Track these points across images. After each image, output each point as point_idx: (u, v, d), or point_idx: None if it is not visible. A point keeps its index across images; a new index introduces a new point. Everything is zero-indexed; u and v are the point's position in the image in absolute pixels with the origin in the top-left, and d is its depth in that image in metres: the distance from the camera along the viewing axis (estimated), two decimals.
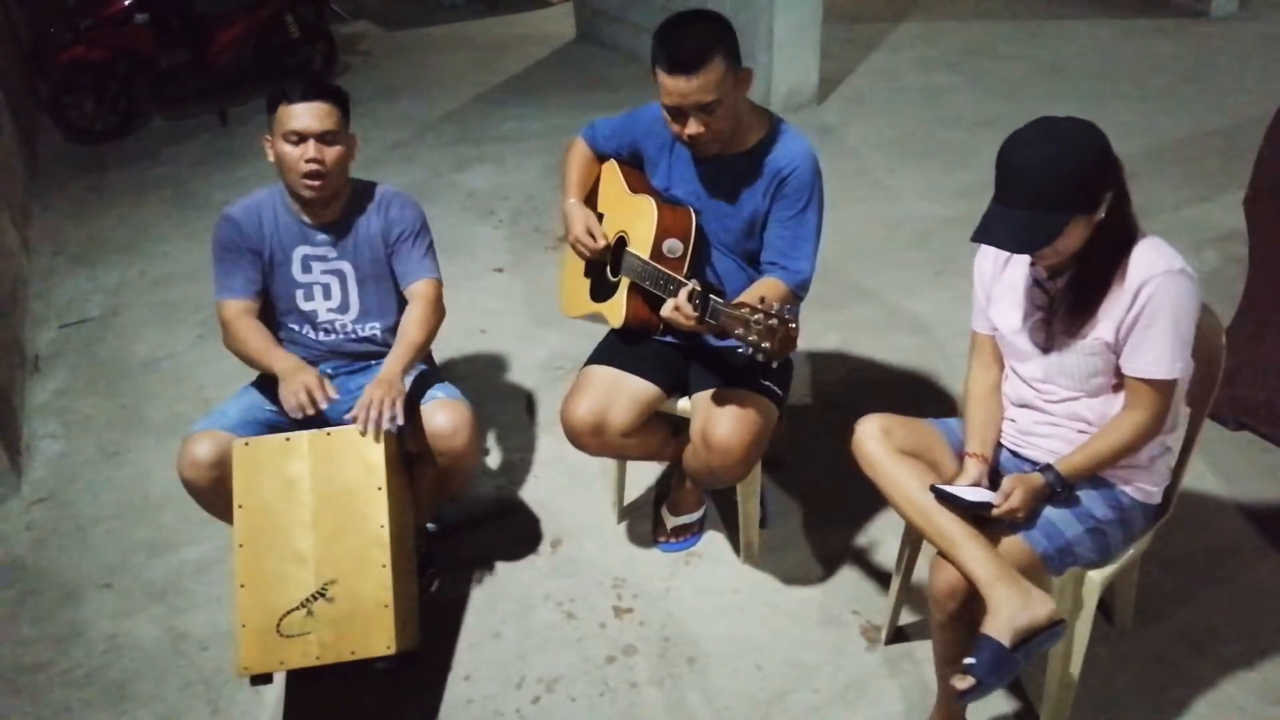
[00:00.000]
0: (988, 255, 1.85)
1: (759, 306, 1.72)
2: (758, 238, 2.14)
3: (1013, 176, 1.57)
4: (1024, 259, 1.76)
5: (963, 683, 1.54)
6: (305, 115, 2.04)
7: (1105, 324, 1.65)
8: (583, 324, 2.45)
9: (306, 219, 2.18)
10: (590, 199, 2.33)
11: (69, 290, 4.07)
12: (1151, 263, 1.60)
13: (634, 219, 2.15)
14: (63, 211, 4.85)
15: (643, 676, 2.16)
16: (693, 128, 1.97)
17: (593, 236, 2.19)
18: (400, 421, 2.00)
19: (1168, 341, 1.61)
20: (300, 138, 2.05)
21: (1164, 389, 1.66)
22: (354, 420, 1.97)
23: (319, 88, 2.09)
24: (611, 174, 2.29)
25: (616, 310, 2.19)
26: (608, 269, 2.24)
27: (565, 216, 2.27)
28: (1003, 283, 1.81)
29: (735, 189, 2.11)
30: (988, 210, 1.61)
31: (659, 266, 2.03)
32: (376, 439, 1.96)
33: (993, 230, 1.59)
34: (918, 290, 3.62)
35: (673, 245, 2.08)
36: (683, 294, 1.85)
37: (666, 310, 1.89)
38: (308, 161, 2.05)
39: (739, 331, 1.73)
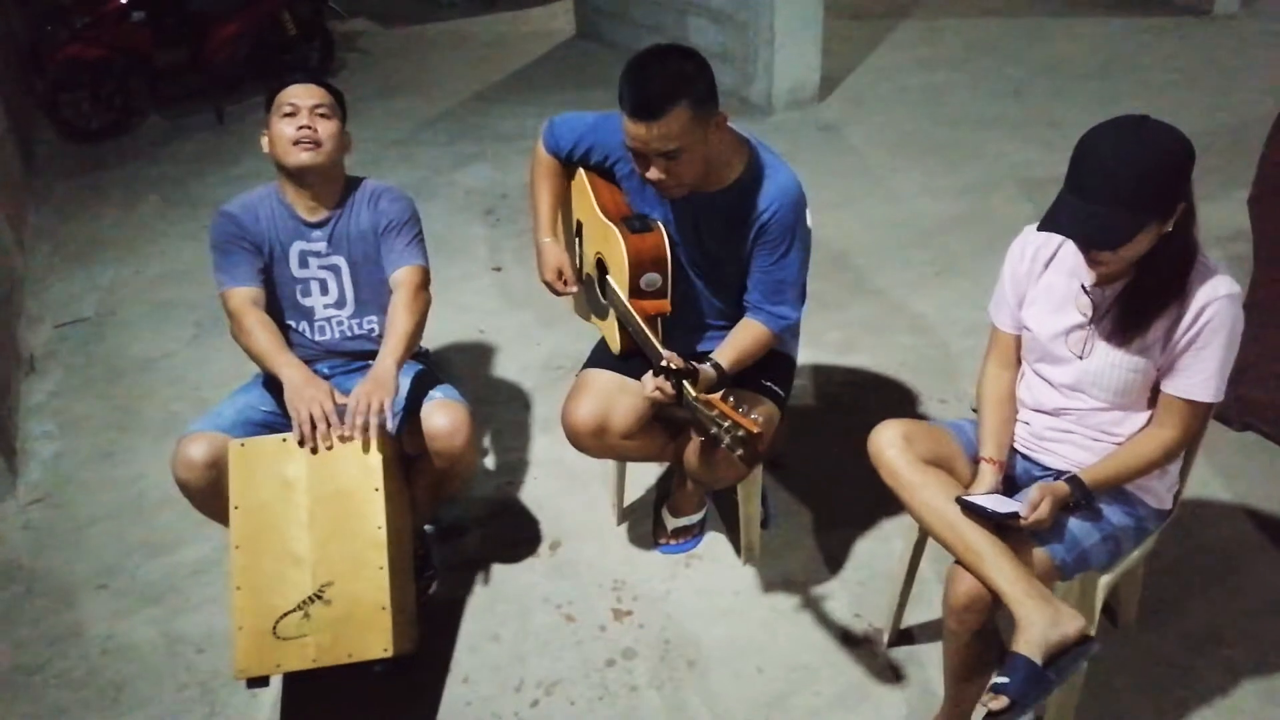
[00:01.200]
0: (1025, 255, 1.77)
1: (730, 413, 1.64)
2: (739, 279, 2.09)
3: (1094, 168, 1.48)
4: (1070, 262, 1.70)
5: (996, 703, 1.48)
6: (300, 92, 2.12)
7: (1157, 342, 1.61)
8: (581, 324, 2.44)
9: (301, 214, 2.17)
10: (565, 202, 2.31)
11: (64, 290, 4.05)
12: (1215, 286, 1.56)
13: (608, 245, 2.09)
14: (58, 210, 4.83)
15: (642, 679, 2.15)
16: (654, 173, 1.88)
17: (564, 281, 2.20)
18: (389, 421, 1.98)
19: (1216, 365, 1.58)
20: (294, 109, 2.10)
21: (1201, 411, 1.64)
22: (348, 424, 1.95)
23: (315, 78, 2.17)
24: (581, 188, 2.21)
25: (612, 338, 2.19)
26: (597, 287, 2.23)
27: (537, 251, 2.25)
28: (1041, 285, 1.75)
29: (711, 231, 2.05)
30: (1058, 199, 1.53)
31: (640, 322, 1.98)
32: (365, 447, 1.94)
33: (1062, 222, 1.51)
34: (919, 289, 3.60)
35: (650, 279, 2.03)
36: (660, 376, 1.82)
37: (648, 391, 1.86)
38: (300, 129, 2.08)
39: (712, 431, 1.67)
